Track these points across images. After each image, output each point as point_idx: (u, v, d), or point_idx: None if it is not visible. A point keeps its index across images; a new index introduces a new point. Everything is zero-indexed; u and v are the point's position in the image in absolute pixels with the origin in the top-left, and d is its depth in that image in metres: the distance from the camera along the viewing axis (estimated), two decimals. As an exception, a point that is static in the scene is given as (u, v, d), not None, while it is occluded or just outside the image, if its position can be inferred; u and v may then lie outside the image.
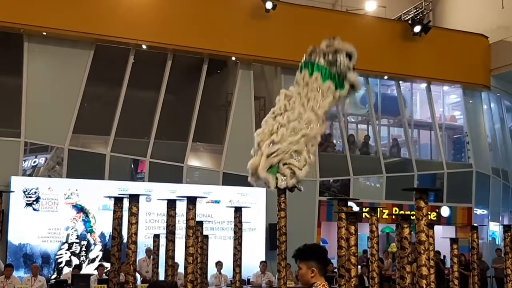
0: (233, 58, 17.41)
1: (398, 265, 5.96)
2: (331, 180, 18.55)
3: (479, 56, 20.01)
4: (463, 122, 20.68)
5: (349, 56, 8.72)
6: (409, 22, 18.77)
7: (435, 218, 18.62)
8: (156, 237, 9.69)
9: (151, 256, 10.96)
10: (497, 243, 19.86)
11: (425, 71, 19.26)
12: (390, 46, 18.78)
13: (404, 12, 19.31)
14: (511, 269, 9.05)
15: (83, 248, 14.89)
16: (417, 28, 18.58)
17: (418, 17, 18.75)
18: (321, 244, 18.07)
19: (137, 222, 7.04)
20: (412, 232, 6.11)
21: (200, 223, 9.24)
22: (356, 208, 16.16)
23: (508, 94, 21.36)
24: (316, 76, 8.39)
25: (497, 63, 19.89)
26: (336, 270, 10.77)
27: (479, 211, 20.00)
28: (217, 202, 15.70)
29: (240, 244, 8.26)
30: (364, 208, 15.87)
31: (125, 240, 7.40)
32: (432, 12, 21.16)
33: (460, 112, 21.25)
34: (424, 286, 5.54)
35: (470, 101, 20.65)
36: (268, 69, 18.68)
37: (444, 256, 16.37)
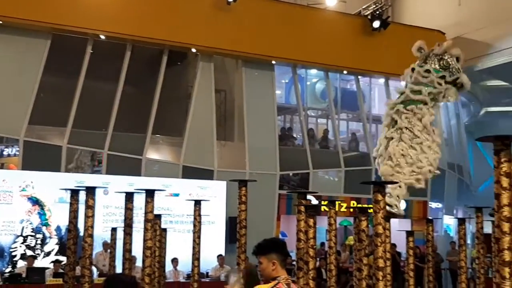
0: (194, 50, 17.30)
1: (355, 258, 6.02)
2: (291, 174, 18.66)
3: (436, 52, 20.32)
4: (420, 117, 20.99)
5: (457, 59, 9.27)
6: (369, 17, 18.95)
7: (392, 212, 18.88)
8: (114, 230, 9.58)
9: (108, 250, 10.83)
10: (451, 236, 20.28)
11: (384, 66, 19.47)
12: (350, 41, 18.94)
13: (363, 7, 19.50)
14: (465, 262, 9.25)
15: (38, 242, 14.61)
16: (376, 24, 18.77)
17: (378, 12, 18.95)
18: (280, 237, 18.17)
19: (93, 215, 6.95)
20: (369, 225, 6.18)
21: (159, 216, 9.17)
22: (315, 202, 16.27)
23: (463, 90, 21.75)
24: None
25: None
26: (294, 263, 10.83)
27: (434, 205, 20.38)
28: (177, 195, 15.60)
29: (199, 237, 8.23)
30: (323, 202, 16.00)
31: (81, 234, 7.29)
32: (391, 8, 21.41)
33: (417, 107, 21.56)
34: (381, 278, 5.62)
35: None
36: (229, 61, 18.63)
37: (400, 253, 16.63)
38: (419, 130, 9.50)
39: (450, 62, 9.59)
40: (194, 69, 17.50)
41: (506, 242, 4.35)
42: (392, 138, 9.60)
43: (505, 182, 4.37)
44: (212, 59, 17.50)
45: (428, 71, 9.63)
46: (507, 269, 4.32)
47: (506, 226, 4.36)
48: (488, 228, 10.25)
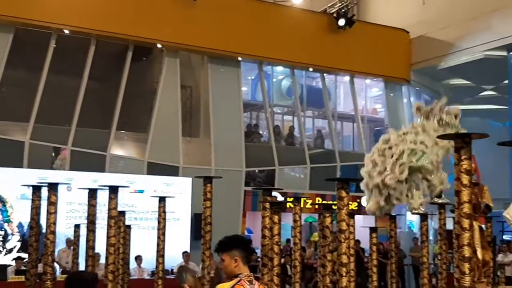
0: (159, 46, 17.17)
1: (319, 254, 6.07)
2: (257, 170, 18.68)
3: (401, 50, 20.59)
4: (384, 115, 21.26)
5: (456, 116, 9.86)
6: (334, 15, 19.06)
7: (356, 208, 19.08)
8: (77, 227, 9.48)
9: (72, 247, 10.70)
10: (414, 232, 20.56)
11: (349, 64, 19.64)
12: (316, 39, 19.03)
13: (329, 5, 19.60)
14: (427, 257, 9.41)
15: (0, 239, 14.36)
16: (341, 22, 18.89)
17: (343, 10, 19.07)
18: (246, 233, 18.21)
19: (56, 212, 6.86)
20: (334, 222, 6.23)
21: (123, 213, 9.11)
22: (280, 198, 16.34)
23: (427, 88, 22.10)
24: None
25: (417, 58, 20.53)
26: (259, 259, 10.87)
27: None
28: (141, 191, 15.49)
29: (163, 234, 8.19)
30: (288, 198, 16.08)
31: (44, 230, 7.19)
32: (356, 6, 21.57)
33: (382, 105, 21.84)
34: (344, 274, 5.67)
35: (391, 95, 21.25)
36: (195, 57, 18.55)
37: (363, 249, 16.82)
38: None
39: (449, 122, 9.82)
40: (160, 64, 17.38)
41: (466, 238, 4.43)
42: None
43: (465, 179, 4.46)
44: (177, 55, 17.39)
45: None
46: (466, 265, 4.41)
47: (466, 223, 4.45)
48: (450, 225, 10.42)
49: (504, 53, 18.31)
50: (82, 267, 8.62)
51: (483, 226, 8.31)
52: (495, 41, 18.04)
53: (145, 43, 16.93)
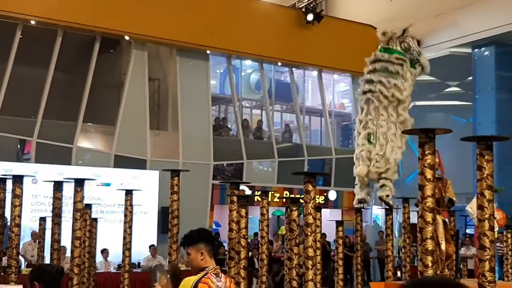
0: (127, 38, 17.03)
1: (286, 247, 6.12)
2: (225, 164, 18.69)
3: (368, 46, 20.64)
4: (351, 110, 21.45)
5: (418, 42, 9.69)
6: (303, 10, 19.14)
7: (323, 202, 19.25)
8: (42, 220, 9.38)
9: (37, 240, 10.59)
10: (380, 226, 20.83)
11: (317, 59, 19.75)
12: (284, 33, 19.09)
13: (298, 0, 19.68)
14: (392, 251, 9.56)
15: (-37, 232, 14.10)
16: (310, 17, 18.97)
17: (312, 5, 19.16)
18: (214, 227, 18.23)
19: (21, 205, 6.79)
20: (301, 215, 6.29)
21: (89, 206, 9.05)
22: (248, 192, 16.39)
23: (394, 84, 22.34)
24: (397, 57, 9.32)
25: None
26: (227, 252, 10.91)
27: (364, 195, 20.82)
28: (108, 184, 15.38)
29: (130, 227, 8.16)
30: (256, 192, 16.14)
31: (9, 223, 7.10)
32: (325, 2, 21.69)
33: (349, 100, 22.02)
34: (310, 266, 5.74)
35: (358, 90, 21.37)
36: (163, 50, 18.44)
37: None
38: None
39: (411, 45, 9.89)
40: (128, 56, 17.24)
41: (429, 232, 4.53)
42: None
43: (428, 173, 4.55)
44: (145, 47, 17.28)
45: (390, 51, 9.85)
46: (429, 258, 4.51)
47: (429, 216, 4.55)
48: (415, 218, 10.58)
49: (469, 50, 18.64)
50: (47, 260, 8.53)
51: (446, 220, 8.46)
52: (460, 38, 18.35)
53: (112, 34, 16.76)
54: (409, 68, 9.80)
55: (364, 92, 10.12)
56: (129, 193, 8.29)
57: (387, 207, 10.17)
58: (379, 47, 10.36)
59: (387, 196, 9.86)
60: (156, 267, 5.42)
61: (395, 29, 10.08)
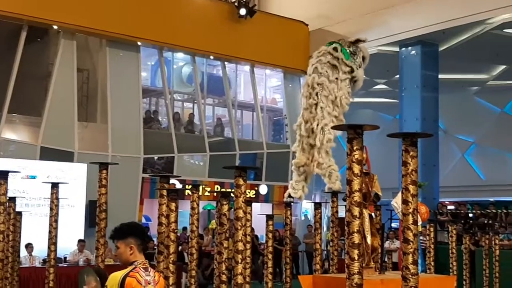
0: (55, 27, 16.57)
1: (216, 241, 6.13)
2: (156, 157, 18.51)
3: (300, 42, 21.02)
4: (283, 105, 21.66)
5: (364, 58, 9.96)
6: (236, 4, 19.15)
7: (254, 196, 19.38)
8: (-37, 214, 9.00)
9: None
10: (310, 219, 21.16)
11: (250, 53, 19.83)
12: (217, 27, 19.06)
13: (231, -6, 19.68)
14: (320, 244, 9.72)
15: None
16: (242, 11, 19.01)
17: (244, 0, 19.20)
18: (143, 221, 18.03)
19: None
20: (232, 209, 6.31)
21: (13, 199, 8.78)
22: (179, 186, 16.30)
23: (324, 80, 22.69)
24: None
25: (315, 50, 20.95)
26: (156, 247, 10.81)
27: (294, 190, 21.08)
28: (33, 177, 14.96)
29: (56, 221, 7.95)
30: (187, 186, 16.07)
31: None
32: (258, -3, 21.80)
33: (280, 95, 22.23)
34: (240, 260, 5.77)
35: (290, 85, 21.68)
36: (92, 40, 18.05)
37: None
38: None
39: (358, 53, 9.95)
40: (56, 46, 16.79)
41: (356, 226, 4.63)
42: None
43: (356, 168, 4.64)
44: (74, 37, 16.87)
45: (336, 49, 9.88)
46: (356, 251, 4.60)
47: (356, 210, 4.64)
48: (342, 212, 10.80)
49: (396, 49, 19.15)
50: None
51: (372, 214, 8.67)
52: (388, 37, 18.81)
53: (40, 23, 16.29)
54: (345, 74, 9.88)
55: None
56: (55, 186, 8.07)
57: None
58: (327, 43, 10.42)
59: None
60: (83, 271, 5.29)
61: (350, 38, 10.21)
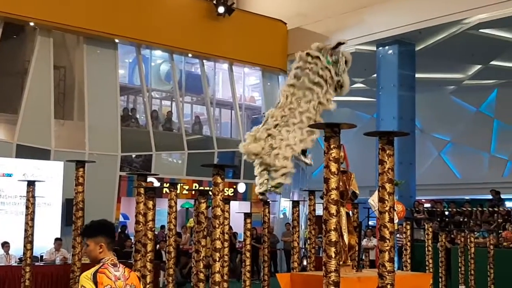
0: (32, 24, 16.40)
1: (194, 239, 6.13)
2: (134, 156, 18.41)
3: (278, 41, 21.06)
4: (261, 103, 21.68)
5: (346, 62, 9.72)
6: (214, 2, 19.11)
7: (232, 194, 19.38)
8: None
9: None
10: (287, 217, 21.22)
11: (228, 51, 19.82)
12: (195, 25, 19.00)
13: (210, -9, 19.63)
14: (298, 242, 9.76)
15: None
16: (221, 9, 18.98)
17: (223, -2, 19.17)
18: (121, 219, 17.94)
19: None
20: (210, 207, 6.31)
21: (-12, 198, 8.68)
22: (157, 184, 16.25)
23: (302, 79, 22.77)
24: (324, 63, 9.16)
25: (294, 49, 20.97)
26: (134, 245, 10.77)
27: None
28: (9, 175, 14.80)
29: (32, 219, 7.89)
30: (165, 184, 16.02)
31: None
32: (236, -5, 21.77)
33: (259, 93, 22.25)
34: (217, 259, 5.77)
35: (268, 84, 21.71)
36: (69, 37, 17.88)
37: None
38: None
39: (340, 60, 9.89)
40: (32, 43, 16.61)
41: (333, 223, 4.67)
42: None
43: (333, 167, 4.68)
44: (51, 34, 16.71)
45: (318, 57, 9.80)
46: (333, 249, 4.64)
47: (333, 208, 4.68)
48: (320, 210, 10.84)
49: (374, 48, 19.28)
50: None
51: (350, 212, 8.72)
52: (365, 36, 18.93)
53: (16, 20, 16.11)
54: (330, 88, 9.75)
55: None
56: (31, 184, 8.01)
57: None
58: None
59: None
60: None
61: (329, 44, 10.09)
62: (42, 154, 15.97)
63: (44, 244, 13.75)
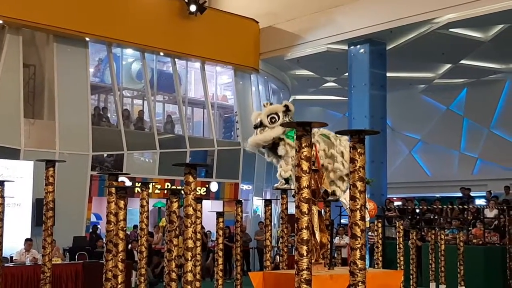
0: (0, 22, 16.15)
1: (166, 239, 6.10)
2: (105, 155, 18.25)
3: (250, 40, 21.07)
4: (234, 102, 21.67)
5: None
6: (186, 0, 19.03)
7: (204, 193, 19.34)
8: None
9: None
10: (260, 216, 21.26)
11: (200, 50, 19.76)
12: (167, 23, 18.91)
13: (181, -11, 19.54)
14: (270, 240, 9.78)
15: None
16: (193, 7, 18.91)
17: (195, -4, 19.10)
18: (94, 219, 17.77)
19: None
20: (182, 207, 6.29)
21: (-44, 198, 8.51)
22: (129, 183, 16.14)
23: (274, 78, 22.86)
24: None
25: (266, 48, 21.13)
26: (105, 245, 10.68)
27: (245, 187, 21.20)
28: (-22, 175, 14.54)
29: (1, 220, 7.78)
30: (137, 183, 15.92)
31: None
32: (208, -7, 21.71)
33: (231, 92, 22.23)
34: (190, 258, 5.76)
35: (241, 82, 21.70)
36: (39, 35, 17.65)
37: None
38: None
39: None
40: (1, 41, 16.36)
41: (304, 222, 4.69)
42: None
43: (305, 165, 4.70)
44: (20, 32, 16.48)
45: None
46: (304, 247, 4.66)
47: (305, 207, 4.70)
48: (292, 209, 10.87)
49: (345, 47, 19.40)
50: None
51: (322, 210, 8.76)
52: (337, 35, 19.04)
53: (-16, 17, 15.85)
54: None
55: None
56: (0, 184, 7.89)
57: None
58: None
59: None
60: None
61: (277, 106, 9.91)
62: (11, 153, 15.74)
63: (14, 244, 13.58)
